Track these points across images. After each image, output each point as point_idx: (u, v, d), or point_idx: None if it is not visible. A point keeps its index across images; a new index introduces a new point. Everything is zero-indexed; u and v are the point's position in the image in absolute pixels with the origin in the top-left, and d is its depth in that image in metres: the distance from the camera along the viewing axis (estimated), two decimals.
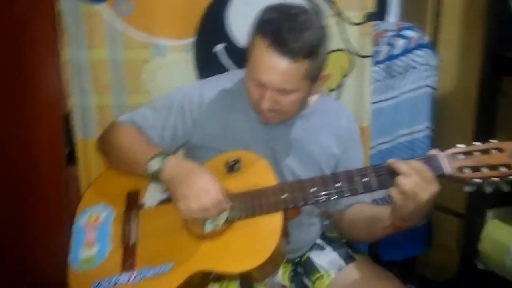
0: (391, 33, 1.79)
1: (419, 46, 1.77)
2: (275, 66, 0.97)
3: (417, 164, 0.86)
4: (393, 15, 1.80)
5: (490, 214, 1.70)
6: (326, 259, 1.18)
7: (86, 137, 1.40)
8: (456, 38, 1.83)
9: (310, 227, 1.22)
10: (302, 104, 1.11)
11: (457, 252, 1.78)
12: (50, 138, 1.39)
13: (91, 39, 1.36)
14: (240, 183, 1.01)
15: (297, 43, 0.95)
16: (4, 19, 1.28)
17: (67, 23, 1.32)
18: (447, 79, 1.86)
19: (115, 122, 1.19)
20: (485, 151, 0.88)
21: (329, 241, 1.25)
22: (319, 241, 1.26)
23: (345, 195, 0.94)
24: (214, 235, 0.97)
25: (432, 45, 1.83)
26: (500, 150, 0.88)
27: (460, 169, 0.87)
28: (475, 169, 0.87)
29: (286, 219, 0.98)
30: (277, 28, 0.96)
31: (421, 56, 1.77)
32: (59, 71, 1.36)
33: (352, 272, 1.12)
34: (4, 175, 1.36)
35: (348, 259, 1.16)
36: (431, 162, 0.88)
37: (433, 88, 1.81)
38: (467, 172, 0.87)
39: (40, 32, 1.33)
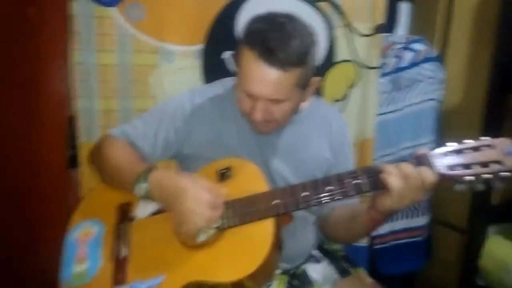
0: (399, 46, 1.79)
1: (427, 60, 1.77)
2: (265, 77, 0.97)
3: (406, 169, 0.86)
4: (402, 28, 1.80)
5: (492, 229, 1.70)
6: (322, 272, 1.17)
7: (89, 140, 1.38)
8: (464, 53, 1.83)
9: (305, 235, 1.21)
10: (294, 111, 1.11)
11: (457, 267, 1.78)
12: (54, 140, 1.38)
13: (102, 43, 1.35)
14: (232, 190, 0.99)
15: (286, 53, 0.95)
16: (17, 20, 1.28)
17: (79, 25, 1.31)
18: (454, 93, 1.86)
19: (107, 135, 1.17)
20: (476, 149, 0.87)
21: (326, 253, 1.25)
22: (315, 252, 1.25)
23: (336, 198, 0.93)
24: (206, 244, 0.96)
25: (440, 59, 1.83)
26: (491, 146, 0.86)
27: (452, 167, 0.87)
28: (467, 166, 0.86)
29: (279, 226, 0.97)
30: (265, 39, 0.95)
31: (429, 69, 1.77)
32: (68, 73, 1.35)
33: (346, 286, 1.12)
34: (7, 175, 1.35)
35: (343, 273, 1.16)
36: (422, 161, 0.88)
37: (439, 102, 1.82)
38: (459, 170, 0.86)
39: (52, 33, 1.32)
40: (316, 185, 0.94)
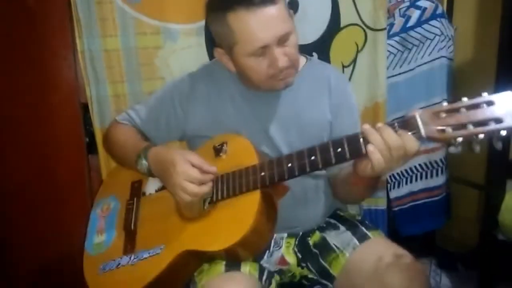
0: (405, 4, 1.75)
1: (435, 16, 1.72)
2: (266, 18, 0.98)
3: (390, 140, 0.83)
4: None
5: (510, 184, 1.69)
6: (341, 238, 1.16)
7: (104, 126, 1.41)
8: (472, 7, 1.78)
9: (317, 203, 1.21)
10: (297, 50, 1.09)
11: (477, 223, 1.78)
12: (70, 127, 1.42)
13: (104, 28, 1.36)
14: (226, 165, 1.04)
15: None
16: (19, 13, 1.30)
17: (80, 12, 1.33)
18: (465, 50, 1.81)
19: (114, 121, 1.25)
20: (473, 107, 0.78)
21: (343, 220, 1.24)
22: (332, 220, 1.24)
23: (319, 167, 0.93)
24: (200, 216, 1.02)
25: (448, 15, 1.78)
26: (490, 103, 0.77)
27: (441, 129, 0.80)
28: (460, 126, 0.78)
29: (268, 196, 1.00)
30: None
31: (437, 26, 1.72)
32: (76, 61, 1.38)
33: (366, 251, 1.10)
34: (28, 164, 1.40)
35: (362, 238, 1.13)
36: (408, 124, 0.83)
37: (450, 59, 1.78)
38: (450, 131, 0.79)
39: (55, 23, 1.34)
40: (301, 156, 0.95)
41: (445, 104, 0.81)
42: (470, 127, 0.77)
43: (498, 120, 0.76)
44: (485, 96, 0.78)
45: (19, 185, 1.39)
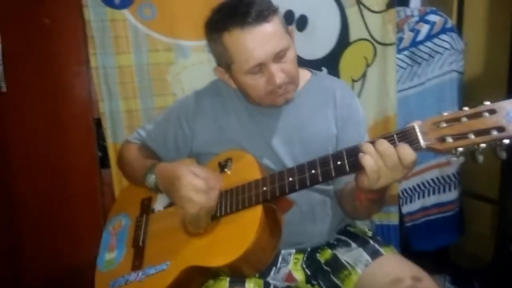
0: (414, 19, 1.76)
1: (444, 31, 1.73)
2: (260, 36, 0.99)
3: (382, 147, 0.81)
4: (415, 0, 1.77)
5: None
6: (352, 255, 1.13)
7: (116, 141, 1.44)
8: (482, 20, 1.78)
9: (325, 218, 1.20)
10: (296, 66, 1.10)
11: (492, 239, 1.75)
12: (83, 142, 1.44)
13: (117, 45, 1.39)
14: (230, 180, 1.04)
15: (258, 7, 0.99)
16: (35, 30, 1.34)
17: (94, 30, 1.36)
18: (475, 63, 1.81)
19: (126, 141, 1.28)
20: (474, 116, 0.75)
21: (353, 236, 1.21)
22: (343, 237, 1.22)
23: (320, 181, 0.92)
24: (204, 232, 1.02)
25: (458, 29, 1.78)
26: (492, 112, 0.73)
27: (441, 139, 0.77)
28: (461, 136, 0.75)
29: (272, 211, 0.99)
30: (235, 10, 0.99)
31: (446, 40, 1.72)
32: (90, 77, 1.41)
33: (379, 268, 1.07)
34: (42, 178, 1.42)
35: (375, 254, 1.11)
36: (407, 135, 0.80)
37: (460, 73, 1.77)
38: (450, 141, 0.76)
39: (70, 40, 1.38)
40: (302, 170, 0.94)
41: (445, 113, 0.78)
42: (471, 136, 0.74)
43: (501, 129, 0.72)
44: (487, 104, 0.75)
45: (32, 199, 1.42)
